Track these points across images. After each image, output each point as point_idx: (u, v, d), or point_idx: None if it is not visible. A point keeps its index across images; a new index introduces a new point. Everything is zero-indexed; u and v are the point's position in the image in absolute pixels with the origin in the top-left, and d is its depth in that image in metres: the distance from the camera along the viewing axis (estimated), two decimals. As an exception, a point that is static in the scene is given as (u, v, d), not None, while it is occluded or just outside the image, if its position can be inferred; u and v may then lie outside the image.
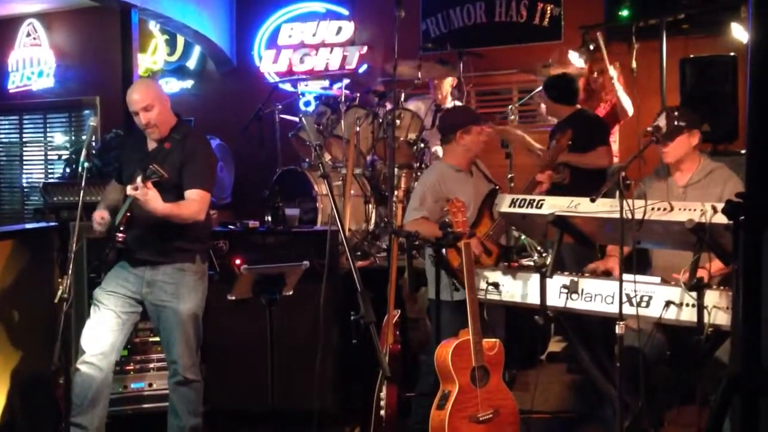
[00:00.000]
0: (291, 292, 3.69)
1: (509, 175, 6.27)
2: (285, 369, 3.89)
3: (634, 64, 6.23)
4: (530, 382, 5.07)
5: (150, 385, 4.76)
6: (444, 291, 4.21)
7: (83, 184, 3.77)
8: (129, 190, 3.79)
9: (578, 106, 5.64)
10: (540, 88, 5.92)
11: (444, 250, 4.11)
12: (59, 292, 3.62)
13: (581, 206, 3.56)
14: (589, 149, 5.24)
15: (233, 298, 3.65)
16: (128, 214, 3.87)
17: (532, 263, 5.76)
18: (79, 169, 3.80)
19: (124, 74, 7.21)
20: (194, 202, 3.98)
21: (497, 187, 4.59)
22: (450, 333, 4.05)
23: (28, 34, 10.44)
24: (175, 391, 4.12)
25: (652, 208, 3.36)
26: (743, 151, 4.32)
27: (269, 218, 5.73)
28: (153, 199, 3.77)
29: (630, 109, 6.20)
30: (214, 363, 4.75)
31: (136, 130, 4.17)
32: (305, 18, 9.04)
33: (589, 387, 4.69)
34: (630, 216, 3.31)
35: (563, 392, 5.09)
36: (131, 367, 4.75)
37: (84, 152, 3.83)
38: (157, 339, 4.47)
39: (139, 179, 3.75)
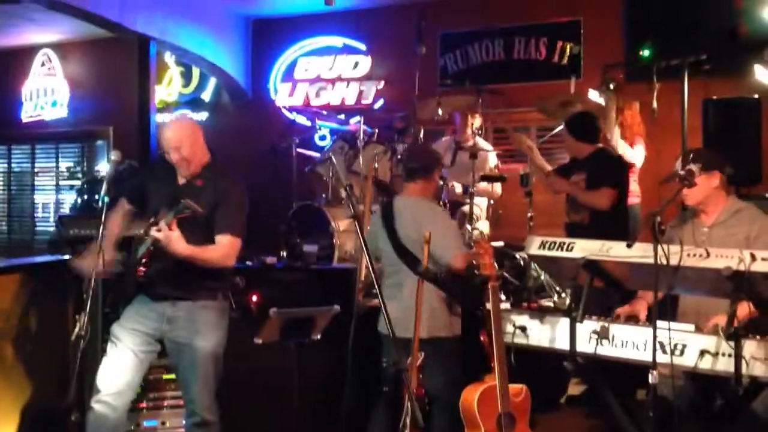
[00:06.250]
0: (319, 336, 3.60)
1: (529, 214, 6.18)
2: (306, 409, 3.80)
3: (655, 104, 6.18)
4: (552, 426, 4.96)
5: (163, 423, 4.65)
6: (443, 328, 4.19)
7: (103, 218, 3.70)
8: (152, 231, 3.73)
9: (599, 145, 5.57)
10: (561, 126, 5.86)
11: None
12: (76, 329, 3.53)
13: (613, 250, 3.49)
14: (594, 188, 5.17)
15: (260, 341, 3.55)
16: (151, 248, 3.79)
17: (551, 304, 5.69)
18: (99, 201, 3.74)
19: (140, 105, 7.22)
20: (223, 247, 3.92)
21: None
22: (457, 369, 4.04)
23: (43, 64, 10.49)
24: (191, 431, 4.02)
25: (688, 255, 3.28)
26: None
27: (284, 254, 5.66)
28: (176, 241, 3.71)
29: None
30: (229, 402, 4.64)
31: (164, 159, 4.10)
32: (322, 52, 9.07)
33: (611, 433, 4.58)
34: (665, 262, 3.22)
35: (585, 438, 4.97)
36: (144, 405, 4.65)
37: (105, 186, 3.76)
38: (172, 376, 4.39)
39: (162, 222, 3.69)
